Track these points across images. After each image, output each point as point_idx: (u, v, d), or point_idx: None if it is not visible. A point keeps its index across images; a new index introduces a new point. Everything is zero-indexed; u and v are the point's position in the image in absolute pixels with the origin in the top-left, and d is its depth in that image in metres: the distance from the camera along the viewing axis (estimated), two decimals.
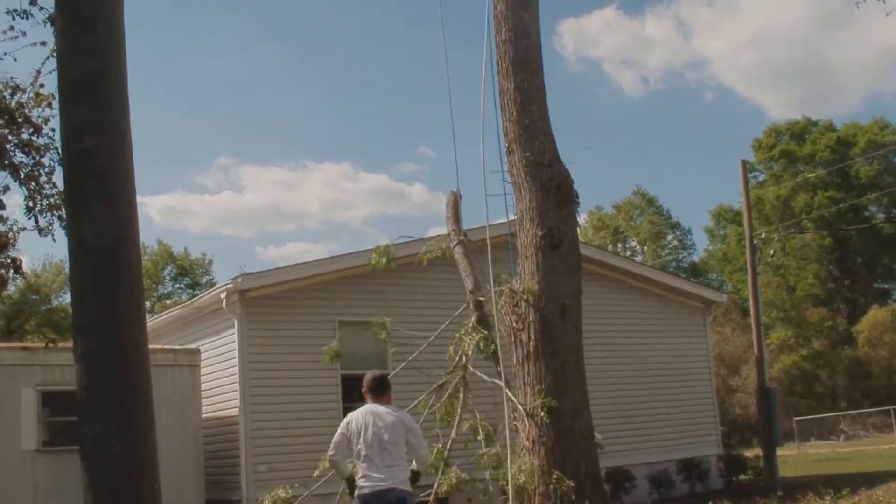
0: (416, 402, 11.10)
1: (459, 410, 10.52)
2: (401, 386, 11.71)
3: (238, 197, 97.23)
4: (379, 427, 8.30)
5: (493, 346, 10.63)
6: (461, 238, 11.78)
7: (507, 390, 10.42)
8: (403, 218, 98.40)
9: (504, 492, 9.71)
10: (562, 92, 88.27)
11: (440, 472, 10.23)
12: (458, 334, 11.00)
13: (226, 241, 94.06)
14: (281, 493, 10.95)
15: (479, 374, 10.80)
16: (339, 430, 8.50)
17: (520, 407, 10.24)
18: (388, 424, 8.32)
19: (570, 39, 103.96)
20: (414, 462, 8.58)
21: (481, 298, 11.23)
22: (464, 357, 10.76)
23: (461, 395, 10.63)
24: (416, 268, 12.94)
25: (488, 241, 9.92)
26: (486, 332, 10.81)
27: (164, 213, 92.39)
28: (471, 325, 10.95)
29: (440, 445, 10.48)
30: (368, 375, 8.68)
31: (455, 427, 10.50)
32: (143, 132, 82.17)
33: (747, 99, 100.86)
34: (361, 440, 8.30)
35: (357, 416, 8.46)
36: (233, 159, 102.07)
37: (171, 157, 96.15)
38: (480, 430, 10.29)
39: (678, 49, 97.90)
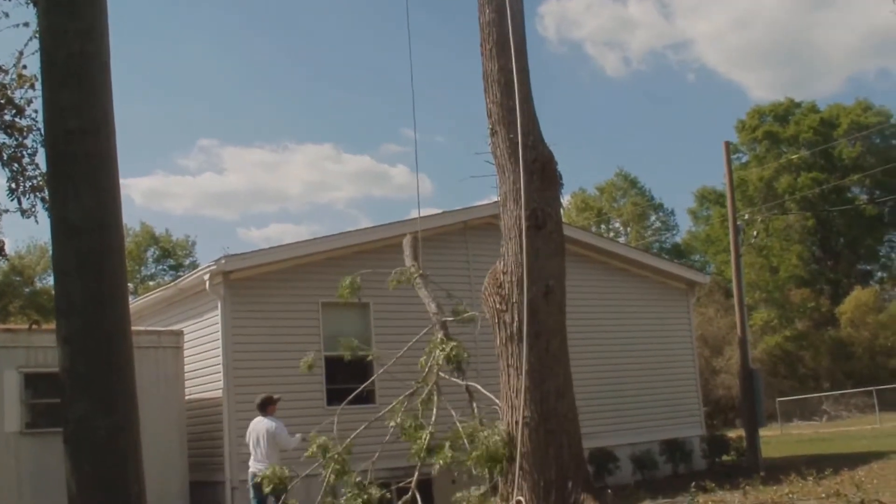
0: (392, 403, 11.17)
1: (435, 410, 10.57)
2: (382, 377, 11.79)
3: (220, 178, 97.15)
4: (258, 433, 13.77)
5: (464, 354, 10.74)
6: (420, 272, 12.29)
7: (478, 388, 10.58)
8: (386, 199, 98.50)
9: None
10: (544, 73, 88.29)
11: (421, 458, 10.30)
12: (427, 347, 11.07)
13: (208, 222, 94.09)
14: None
15: (453, 379, 10.85)
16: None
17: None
18: (263, 431, 13.68)
19: (552, 20, 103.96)
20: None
21: (445, 319, 11.45)
22: (435, 366, 10.83)
23: (434, 398, 10.69)
24: (397, 249, 13.02)
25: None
26: (455, 341, 10.89)
27: (146, 194, 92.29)
28: (439, 339, 11.04)
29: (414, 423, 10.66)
30: (258, 398, 14.11)
31: (432, 419, 10.54)
32: (125, 114, 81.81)
33: (730, 80, 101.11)
34: (250, 441, 13.90)
35: (250, 425, 14.05)
36: (214, 140, 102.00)
37: (153, 139, 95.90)
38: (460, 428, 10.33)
39: (660, 30, 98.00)
